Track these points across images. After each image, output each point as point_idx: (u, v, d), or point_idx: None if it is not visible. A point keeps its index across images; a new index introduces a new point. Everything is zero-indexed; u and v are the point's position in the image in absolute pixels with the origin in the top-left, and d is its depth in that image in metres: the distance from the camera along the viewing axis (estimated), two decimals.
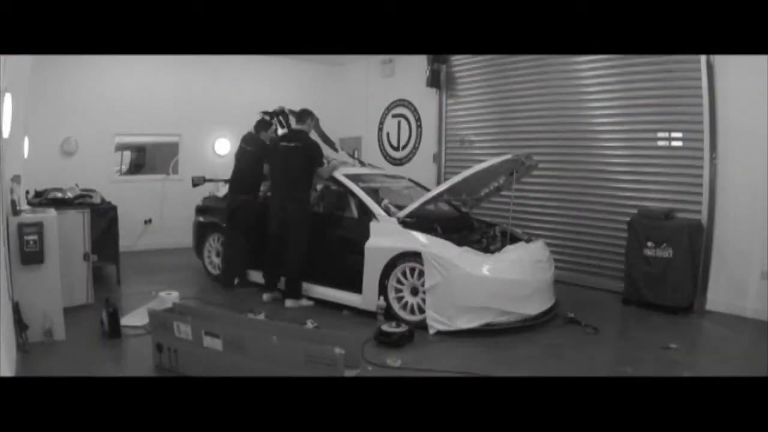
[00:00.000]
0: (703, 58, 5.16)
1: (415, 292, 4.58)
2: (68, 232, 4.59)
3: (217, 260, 6.24)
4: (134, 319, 4.48)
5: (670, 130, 5.59)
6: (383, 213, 4.89)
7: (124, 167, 8.25)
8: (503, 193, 5.78)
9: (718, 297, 5.21)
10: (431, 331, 4.36)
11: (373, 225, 4.85)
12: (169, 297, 4.55)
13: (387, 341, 4.07)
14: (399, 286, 4.64)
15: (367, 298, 4.78)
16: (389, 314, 4.60)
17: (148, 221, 7.98)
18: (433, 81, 7.84)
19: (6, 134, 3.59)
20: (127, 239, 6.86)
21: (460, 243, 4.54)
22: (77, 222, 4.85)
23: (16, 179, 4.30)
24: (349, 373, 3.15)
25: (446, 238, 4.56)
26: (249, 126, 6.10)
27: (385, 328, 4.16)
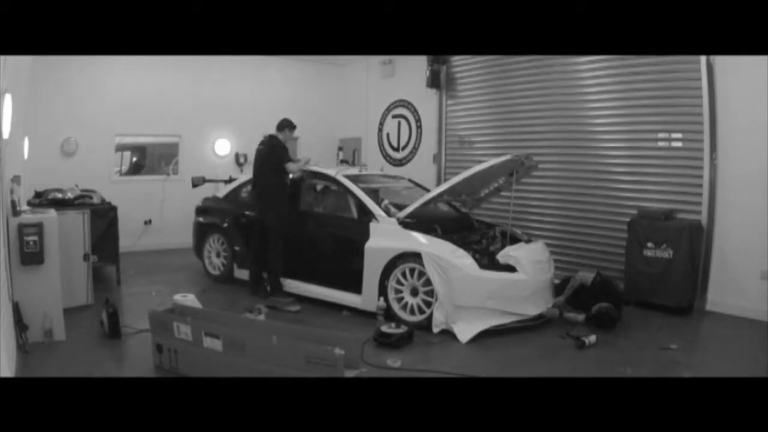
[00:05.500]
0: (703, 58, 5.16)
1: (414, 292, 4.58)
2: (68, 232, 4.59)
3: (217, 260, 6.24)
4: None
5: (670, 131, 5.59)
6: (383, 213, 4.89)
7: (124, 167, 8.25)
8: (503, 193, 5.78)
9: (718, 297, 5.21)
10: (435, 330, 4.36)
11: (373, 225, 4.85)
12: (185, 300, 4.28)
13: (386, 342, 4.07)
14: (399, 287, 4.64)
15: (367, 299, 4.78)
16: (389, 315, 4.59)
17: (148, 222, 7.98)
18: (433, 81, 7.83)
19: (6, 134, 3.59)
20: (127, 239, 6.86)
21: (460, 244, 4.54)
22: (77, 222, 4.85)
23: (16, 179, 4.30)
24: (349, 373, 3.14)
25: (446, 239, 4.56)
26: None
27: (385, 329, 4.16)
